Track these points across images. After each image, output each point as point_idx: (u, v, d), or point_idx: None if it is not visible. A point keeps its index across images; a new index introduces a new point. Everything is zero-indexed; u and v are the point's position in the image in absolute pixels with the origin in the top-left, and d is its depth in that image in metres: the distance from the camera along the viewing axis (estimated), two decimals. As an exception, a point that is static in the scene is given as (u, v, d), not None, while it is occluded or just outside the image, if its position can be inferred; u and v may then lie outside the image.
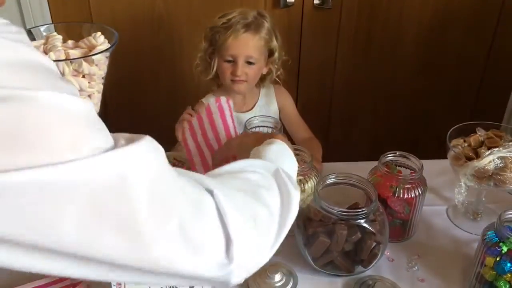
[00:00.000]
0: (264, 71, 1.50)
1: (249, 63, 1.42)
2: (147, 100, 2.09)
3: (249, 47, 1.40)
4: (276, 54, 1.47)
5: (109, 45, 0.99)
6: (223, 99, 0.97)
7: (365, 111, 2.17)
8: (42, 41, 1.02)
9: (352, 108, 2.16)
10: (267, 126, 1.25)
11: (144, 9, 1.87)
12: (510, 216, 0.97)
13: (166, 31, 1.94)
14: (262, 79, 1.52)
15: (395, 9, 1.93)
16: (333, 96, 2.12)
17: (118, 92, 2.02)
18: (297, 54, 2.01)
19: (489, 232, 0.98)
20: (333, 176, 1.05)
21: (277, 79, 1.53)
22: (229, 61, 1.42)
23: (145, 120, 2.02)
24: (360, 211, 0.99)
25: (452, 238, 1.16)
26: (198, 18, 1.82)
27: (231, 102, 1.01)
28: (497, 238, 0.95)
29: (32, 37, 1.01)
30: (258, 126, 1.25)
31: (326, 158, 2.25)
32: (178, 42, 1.96)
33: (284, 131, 1.34)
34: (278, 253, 1.12)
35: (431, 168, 1.22)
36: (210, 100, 0.94)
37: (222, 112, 0.95)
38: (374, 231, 1.00)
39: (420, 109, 2.17)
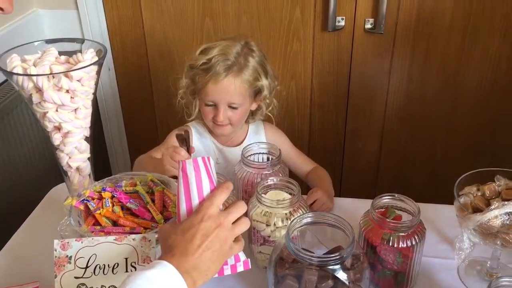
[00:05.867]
0: (253, 107, 1.37)
1: (232, 107, 1.30)
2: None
3: (230, 93, 1.27)
4: (266, 92, 1.33)
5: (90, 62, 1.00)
6: (199, 159, 0.84)
7: (421, 146, 2.01)
8: (39, 54, 1.05)
9: (406, 141, 2.01)
10: (266, 153, 1.19)
11: (194, 26, 1.89)
12: (505, 283, 0.82)
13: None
14: (252, 114, 1.41)
15: (458, 35, 1.77)
16: (384, 128, 1.99)
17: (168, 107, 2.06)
18: (346, 81, 1.92)
19: (478, 302, 0.84)
20: (310, 215, 0.97)
21: (269, 113, 1.41)
22: (210, 105, 1.31)
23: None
24: (331, 257, 0.89)
25: (457, 299, 1.01)
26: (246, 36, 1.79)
27: (210, 161, 0.86)
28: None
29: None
30: (257, 153, 1.19)
31: (377, 191, 2.13)
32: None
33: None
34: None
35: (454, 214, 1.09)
36: (187, 161, 0.83)
37: (198, 174, 0.85)
38: (347, 280, 0.90)
39: (484, 145, 1.96)
